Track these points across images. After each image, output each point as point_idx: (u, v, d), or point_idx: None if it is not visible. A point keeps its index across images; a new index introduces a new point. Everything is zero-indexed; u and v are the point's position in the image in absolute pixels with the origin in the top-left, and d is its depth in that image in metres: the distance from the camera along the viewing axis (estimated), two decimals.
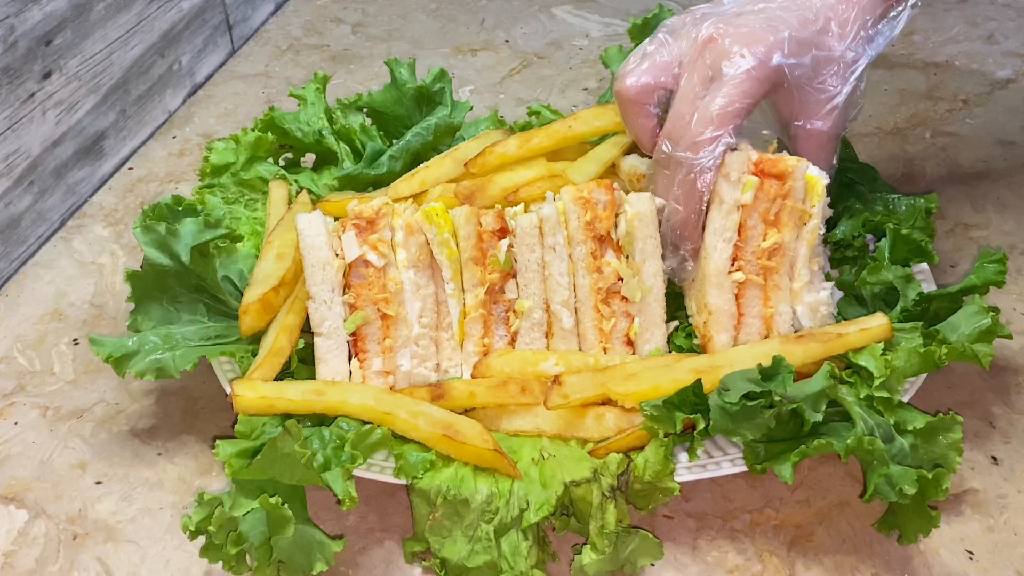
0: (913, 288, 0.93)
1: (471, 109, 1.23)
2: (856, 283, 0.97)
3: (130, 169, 1.41)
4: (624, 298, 0.95)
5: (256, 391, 0.86)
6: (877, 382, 0.83)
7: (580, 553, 0.79)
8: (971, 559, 0.84)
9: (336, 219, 0.96)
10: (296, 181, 1.16)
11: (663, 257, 0.95)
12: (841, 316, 0.97)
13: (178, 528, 0.88)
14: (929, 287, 0.98)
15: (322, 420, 0.87)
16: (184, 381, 1.02)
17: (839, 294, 1.00)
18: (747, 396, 0.80)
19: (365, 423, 0.86)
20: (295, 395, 0.87)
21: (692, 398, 0.84)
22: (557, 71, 1.63)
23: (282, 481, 0.80)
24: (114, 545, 0.88)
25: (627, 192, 0.96)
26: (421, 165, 1.12)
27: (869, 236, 1.08)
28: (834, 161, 0.98)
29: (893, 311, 0.93)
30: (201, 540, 0.78)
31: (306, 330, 0.94)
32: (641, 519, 0.88)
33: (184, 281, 0.96)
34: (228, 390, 0.89)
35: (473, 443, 0.83)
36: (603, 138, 1.10)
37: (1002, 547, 0.85)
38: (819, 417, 0.80)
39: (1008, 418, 0.97)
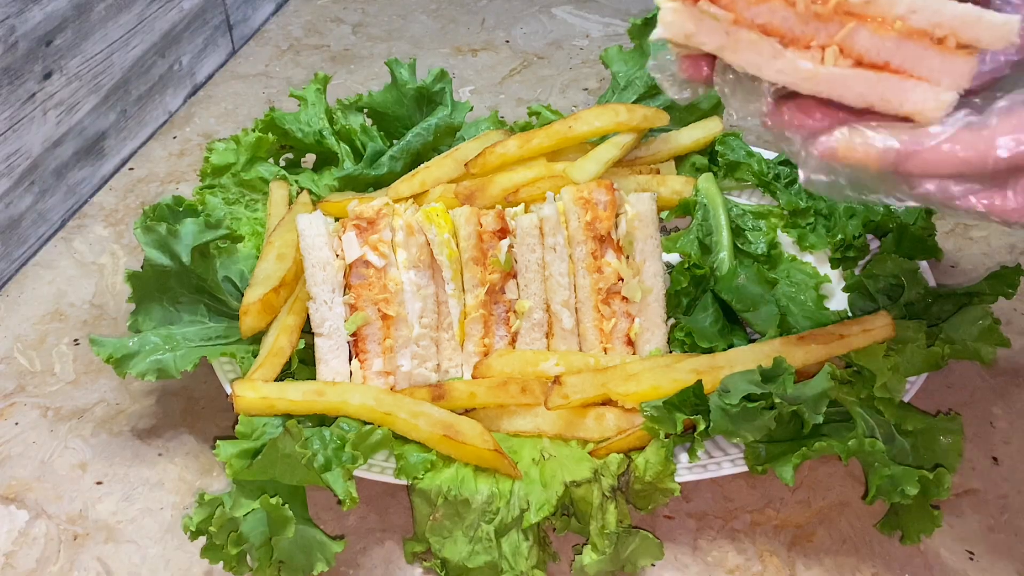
0: (919, 282, 0.94)
1: (471, 109, 1.23)
2: (862, 275, 0.97)
3: (131, 169, 1.41)
4: (624, 298, 0.95)
5: (257, 391, 0.86)
6: (879, 383, 0.83)
7: (581, 553, 0.79)
8: (971, 559, 0.84)
9: (336, 219, 0.96)
10: (296, 181, 1.16)
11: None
12: (850, 311, 0.98)
13: (179, 528, 0.88)
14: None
15: (323, 420, 0.87)
16: (185, 381, 1.02)
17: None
18: (747, 397, 0.80)
19: (366, 423, 0.86)
20: (296, 395, 0.87)
21: (692, 399, 0.84)
22: (557, 71, 1.63)
23: (283, 481, 0.81)
24: (114, 545, 0.88)
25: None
26: (421, 165, 1.12)
27: (869, 236, 1.08)
28: None
29: (896, 303, 0.94)
30: (202, 540, 0.78)
31: (307, 330, 0.94)
32: (641, 519, 0.88)
33: (185, 281, 0.96)
34: (229, 390, 0.89)
35: (473, 443, 0.83)
36: (603, 138, 1.10)
37: (1002, 547, 0.85)
38: (820, 419, 0.80)
39: (1008, 418, 0.97)
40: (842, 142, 0.61)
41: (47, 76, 1.22)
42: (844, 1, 0.58)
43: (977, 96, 0.61)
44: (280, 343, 0.91)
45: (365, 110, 1.23)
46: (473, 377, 0.94)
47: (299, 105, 1.20)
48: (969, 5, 0.58)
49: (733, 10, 0.60)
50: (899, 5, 0.58)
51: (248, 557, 0.78)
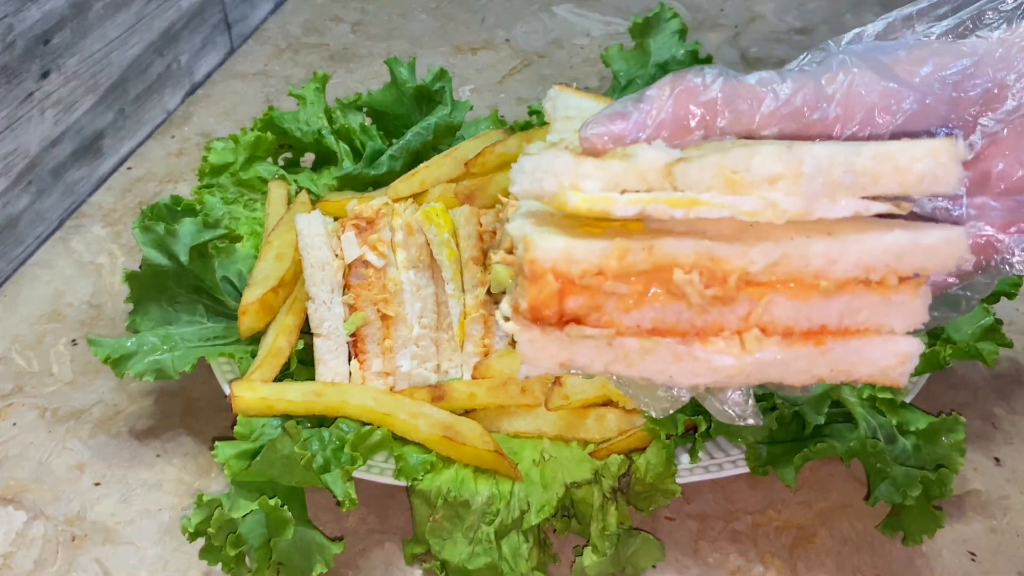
0: None
1: (471, 108, 1.23)
2: None
3: (129, 169, 1.40)
4: None
5: (255, 392, 0.86)
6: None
7: (581, 555, 0.79)
8: (973, 560, 0.84)
9: (336, 219, 0.96)
10: (295, 181, 1.16)
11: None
12: None
13: (177, 530, 0.88)
14: None
15: (322, 421, 0.87)
16: (183, 382, 1.01)
17: None
18: None
19: (365, 424, 0.85)
20: (294, 396, 0.86)
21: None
22: (558, 70, 1.62)
23: (281, 483, 0.80)
24: (113, 546, 0.88)
25: None
26: (421, 165, 1.12)
27: None
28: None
29: None
30: (200, 542, 0.78)
31: (306, 331, 0.94)
32: (642, 520, 0.88)
33: (183, 281, 0.96)
34: (227, 391, 0.89)
35: (473, 444, 0.83)
36: None
37: (1004, 548, 0.85)
38: (821, 420, 0.80)
39: (1010, 419, 0.97)
40: None
41: (45, 75, 1.22)
42: (745, 273, 0.45)
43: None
44: (279, 343, 0.91)
45: (364, 109, 1.22)
46: (473, 377, 0.93)
47: (298, 104, 1.20)
48: (898, 232, 0.46)
49: (609, 324, 0.46)
50: (814, 259, 0.45)
51: (247, 558, 0.78)
